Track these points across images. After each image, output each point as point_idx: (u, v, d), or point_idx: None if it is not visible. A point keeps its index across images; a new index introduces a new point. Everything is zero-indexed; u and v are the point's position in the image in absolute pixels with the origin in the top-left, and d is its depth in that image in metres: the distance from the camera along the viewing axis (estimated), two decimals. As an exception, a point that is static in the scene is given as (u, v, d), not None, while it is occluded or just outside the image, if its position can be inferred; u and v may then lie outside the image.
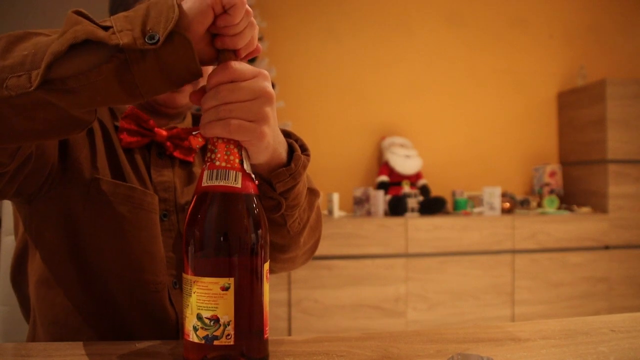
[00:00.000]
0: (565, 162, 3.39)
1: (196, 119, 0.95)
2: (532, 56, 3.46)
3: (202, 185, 0.55)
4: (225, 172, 0.54)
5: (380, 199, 2.88)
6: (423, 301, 2.73)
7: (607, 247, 2.97)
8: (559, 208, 3.16)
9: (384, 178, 3.08)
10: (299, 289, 2.58)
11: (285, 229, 0.73)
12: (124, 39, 0.48)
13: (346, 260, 2.66)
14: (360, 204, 2.92)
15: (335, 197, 2.91)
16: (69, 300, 0.77)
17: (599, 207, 3.05)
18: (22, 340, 1.01)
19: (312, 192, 0.78)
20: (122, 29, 0.48)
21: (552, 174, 3.27)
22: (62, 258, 0.76)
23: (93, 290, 0.77)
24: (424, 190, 3.05)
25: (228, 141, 0.55)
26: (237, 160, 0.55)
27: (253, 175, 0.57)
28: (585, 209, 3.08)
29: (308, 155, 0.70)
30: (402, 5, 3.33)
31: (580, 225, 2.94)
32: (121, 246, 0.76)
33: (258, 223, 0.56)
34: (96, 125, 0.81)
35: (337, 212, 2.91)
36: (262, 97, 0.55)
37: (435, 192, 3.15)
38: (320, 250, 2.96)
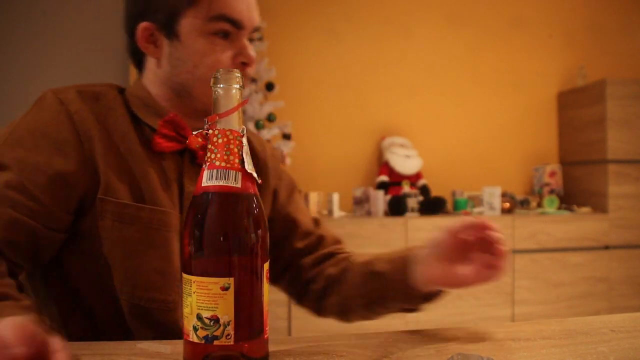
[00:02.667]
0: (565, 162, 3.39)
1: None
2: (532, 56, 3.46)
3: (202, 185, 0.55)
4: (225, 172, 0.54)
5: (380, 199, 2.88)
6: (423, 301, 2.73)
7: (607, 247, 2.97)
8: (559, 208, 3.17)
9: (384, 178, 3.08)
10: (299, 289, 2.58)
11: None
12: None
13: (346, 260, 2.65)
14: (360, 204, 2.92)
15: (335, 197, 2.91)
16: (85, 318, 0.78)
17: (599, 207, 3.05)
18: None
19: None
20: None
21: (552, 174, 3.27)
22: (79, 274, 0.77)
23: (107, 309, 0.77)
24: (424, 190, 3.05)
25: (228, 141, 0.55)
26: (237, 160, 0.55)
27: (255, 175, 0.57)
28: (585, 209, 3.08)
29: None
30: (402, 5, 3.33)
31: (580, 225, 2.94)
32: (131, 266, 0.75)
33: (258, 223, 0.56)
34: (103, 143, 0.76)
35: (337, 212, 2.91)
36: None
37: (435, 192, 3.15)
38: (320, 250, 2.87)
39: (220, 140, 0.55)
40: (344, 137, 3.25)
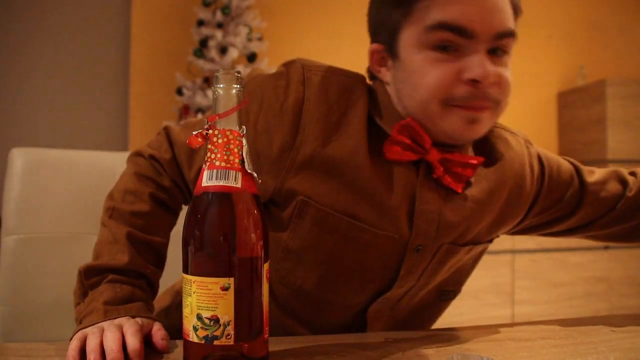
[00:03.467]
0: (565, 162, 3.39)
1: (477, 146, 0.80)
2: (532, 56, 3.46)
3: (202, 185, 0.55)
4: (226, 172, 0.54)
5: (380, 199, 2.88)
6: (423, 301, 2.73)
7: (607, 247, 2.97)
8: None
9: (384, 178, 3.08)
10: (299, 289, 2.58)
11: None
12: None
13: (346, 260, 2.65)
14: (360, 204, 2.93)
15: (335, 197, 2.91)
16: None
17: (599, 207, 3.05)
18: (22, 340, 1.01)
19: None
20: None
21: (552, 174, 3.28)
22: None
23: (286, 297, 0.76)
24: (424, 190, 3.05)
25: (228, 141, 0.55)
26: (237, 160, 0.55)
27: (255, 175, 0.57)
28: (585, 209, 3.08)
29: None
30: (402, 5, 3.33)
31: (580, 225, 2.94)
32: (326, 272, 0.73)
33: (258, 223, 0.56)
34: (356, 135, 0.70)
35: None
36: None
37: (435, 192, 3.15)
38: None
39: (220, 141, 0.55)
40: (344, 137, 3.25)
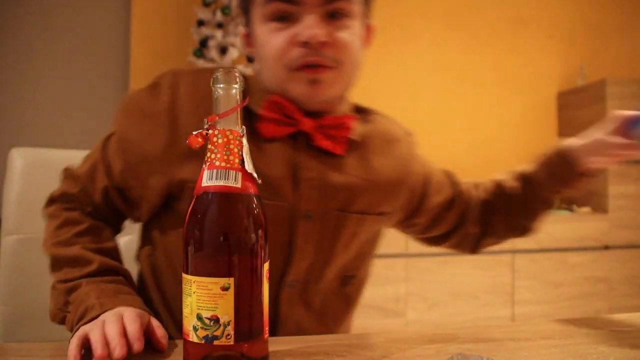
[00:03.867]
0: (565, 162, 3.39)
1: (359, 110, 0.90)
2: (532, 56, 3.46)
3: (202, 185, 0.55)
4: (225, 172, 0.54)
5: (380, 199, 2.88)
6: (423, 301, 2.73)
7: (607, 247, 2.97)
8: (559, 208, 3.16)
9: (384, 178, 3.08)
10: (299, 289, 2.58)
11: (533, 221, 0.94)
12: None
13: (346, 260, 2.65)
14: (360, 204, 2.93)
15: (335, 197, 2.91)
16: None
17: (599, 207, 3.05)
18: (22, 340, 1.01)
19: None
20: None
21: (552, 174, 3.28)
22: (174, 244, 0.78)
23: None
24: (424, 190, 3.05)
25: (228, 141, 0.55)
26: (237, 160, 0.55)
27: (255, 175, 0.57)
28: (585, 209, 3.08)
29: None
30: (402, 5, 3.33)
31: (580, 225, 2.94)
32: None
33: (258, 223, 0.56)
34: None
35: (337, 212, 2.91)
36: None
37: (435, 192, 3.15)
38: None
39: (220, 141, 0.55)
40: (344, 137, 3.25)
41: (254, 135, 0.73)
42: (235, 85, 0.56)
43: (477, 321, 2.76)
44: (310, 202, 0.76)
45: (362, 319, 3.00)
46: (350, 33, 0.74)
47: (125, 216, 0.82)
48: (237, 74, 0.56)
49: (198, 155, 0.69)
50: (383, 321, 2.68)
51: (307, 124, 0.75)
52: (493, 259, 2.82)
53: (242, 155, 0.56)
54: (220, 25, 2.73)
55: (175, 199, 0.76)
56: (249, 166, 0.56)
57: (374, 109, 0.93)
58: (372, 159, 0.83)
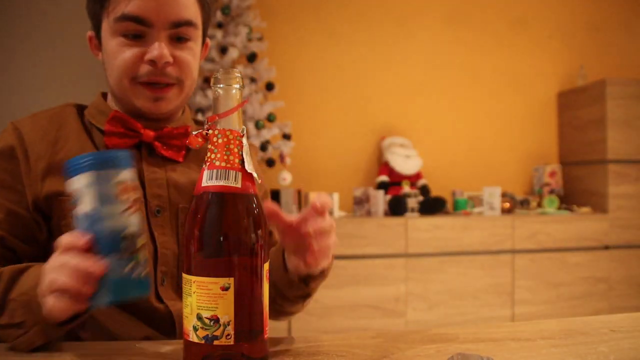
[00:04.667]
0: (565, 162, 3.39)
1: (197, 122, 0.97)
2: (532, 56, 3.46)
3: (202, 185, 0.55)
4: (225, 172, 0.54)
5: (380, 199, 2.88)
6: (423, 301, 2.73)
7: (607, 247, 2.97)
8: (559, 208, 3.17)
9: (384, 178, 3.08)
10: (299, 289, 2.58)
11: (302, 306, 0.85)
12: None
13: (346, 260, 2.65)
14: (360, 204, 2.92)
15: (336, 197, 2.91)
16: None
17: (599, 207, 3.05)
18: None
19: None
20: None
21: (552, 174, 3.27)
22: None
23: None
24: (424, 190, 3.05)
25: (228, 141, 0.55)
26: (237, 160, 0.55)
27: (255, 175, 0.57)
28: (585, 209, 3.08)
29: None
30: (403, 5, 3.33)
31: (580, 225, 2.94)
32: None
33: (258, 223, 0.56)
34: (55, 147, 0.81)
35: (337, 212, 2.91)
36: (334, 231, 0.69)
37: (435, 192, 3.15)
38: (320, 250, 2.84)
39: (220, 141, 0.55)
40: (344, 137, 3.25)
41: (102, 149, 0.83)
42: (236, 86, 0.56)
43: (477, 321, 2.76)
44: (158, 199, 0.83)
45: (362, 319, 3.02)
46: (191, 54, 0.84)
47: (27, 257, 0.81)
48: (237, 74, 0.56)
49: (53, 171, 0.79)
50: (383, 321, 2.68)
51: (147, 135, 0.84)
52: (493, 259, 2.82)
53: (242, 155, 0.56)
54: (220, 25, 2.73)
55: (46, 219, 0.79)
56: (249, 166, 0.56)
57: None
58: None
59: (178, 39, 0.82)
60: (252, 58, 2.79)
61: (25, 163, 0.79)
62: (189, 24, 0.81)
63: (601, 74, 3.35)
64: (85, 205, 0.56)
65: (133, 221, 0.57)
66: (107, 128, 0.83)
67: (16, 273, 0.68)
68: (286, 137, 2.89)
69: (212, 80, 0.56)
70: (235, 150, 0.55)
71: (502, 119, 3.43)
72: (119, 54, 0.80)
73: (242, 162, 0.56)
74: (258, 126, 2.76)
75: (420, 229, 2.75)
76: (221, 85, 0.55)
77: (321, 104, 3.23)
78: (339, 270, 2.64)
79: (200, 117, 2.44)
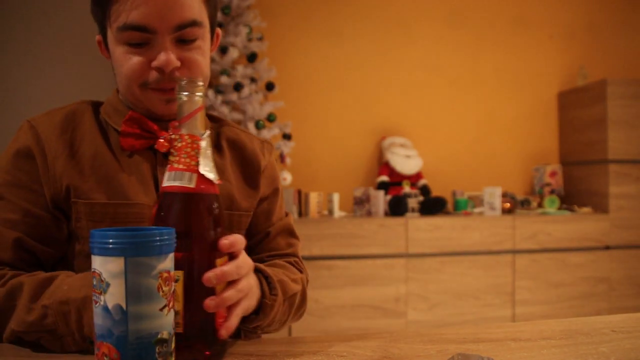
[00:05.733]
0: (566, 162, 3.39)
1: (212, 119, 0.95)
2: (533, 56, 3.46)
3: (162, 185, 0.60)
4: (181, 173, 0.59)
5: (381, 199, 2.88)
6: (423, 301, 2.73)
7: (607, 248, 2.96)
8: (560, 208, 3.16)
9: (384, 178, 3.08)
10: (299, 289, 2.58)
11: (280, 326, 0.83)
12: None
13: (346, 260, 2.65)
14: (360, 204, 2.92)
15: (336, 197, 2.91)
16: None
17: (600, 207, 3.04)
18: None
19: (294, 296, 0.82)
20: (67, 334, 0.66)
21: (553, 174, 3.27)
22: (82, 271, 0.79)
23: None
24: (425, 190, 3.05)
25: (187, 145, 0.60)
26: (193, 163, 0.59)
27: (212, 176, 0.60)
28: (585, 209, 3.08)
29: (275, 294, 0.75)
30: (403, 4, 3.33)
31: (580, 225, 2.93)
32: None
33: (210, 221, 0.60)
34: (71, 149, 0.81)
35: (337, 212, 2.91)
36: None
37: (435, 192, 3.15)
38: (320, 250, 2.96)
39: (179, 144, 0.60)
40: (344, 137, 3.25)
41: (117, 150, 0.82)
42: (198, 94, 0.60)
43: (478, 321, 2.76)
44: None
45: (362, 319, 3.02)
46: (200, 53, 0.82)
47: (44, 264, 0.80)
48: (200, 84, 0.61)
49: (70, 172, 0.78)
50: (383, 321, 2.68)
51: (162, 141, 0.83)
52: (494, 259, 2.82)
53: (198, 157, 0.60)
54: (220, 25, 2.73)
55: (67, 219, 0.79)
56: (204, 168, 0.60)
57: (224, 119, 0.98)
58: (225, 165, 0.89)
59: (184, 41, 0.80)
60: (252, 58, 2.79)
61: (43, 162, 0.78)
62: (193, 24, 0.79)
63: (602, 74, 3.34)
64: (112, 297, 0.47)
65: (169, 321, 0.50)
66: (123, 129, 0.82)
67: (45, 281, 0.69)
68: (286, 137, 2.89)
69: (176, 88, 0.61)
70: (193, 153, 0.60)
71: (502, 119, 3.42)
72: (125, 61, 0.79)
73: (198, 164, 0.60)
74: (258, 126, 2.76)
75: (421, 229, 2.75)
76: (185, 93, 0.60)
77: (321, 104, 3.23)
78: (339, 271, 2.64)
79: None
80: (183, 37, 0.79)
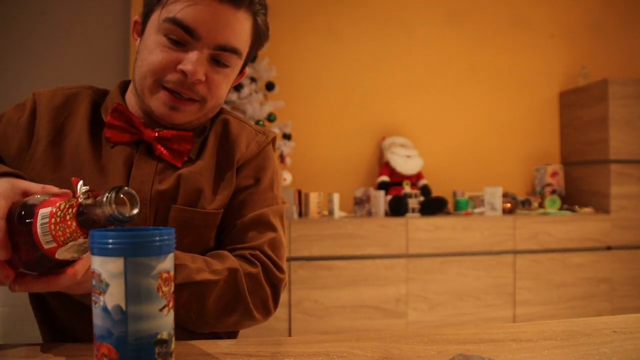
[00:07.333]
0: (567, 162, 3.38)
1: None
2: (534, 55, 3.46)
3: (38, 209, 0.57)
4: (48, 232, 0.55)
5: (381, 199, 2.87)
6: (424, 302, 2.73)
7: (609, 248, 2.96)
8: (561, 208, 3.16)
9: (384, 178, 3.08)
10: (299, 290, 2.58)
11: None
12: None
13: (346, 260, 2.65)
14: (360, 204, 2.92)
15: (336, 198, 2.91)
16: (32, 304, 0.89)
17: (601, 207, 3.04)
18: (22, 341, 1.00)
19: (202, 285, 0.76)
20: None
21: (554, 174, 3.27)
22: None
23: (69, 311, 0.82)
24: (425, 190, 3.05)
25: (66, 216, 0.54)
26: (61, 238, 0.54)
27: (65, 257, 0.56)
28: (587, 210, 3.07)
29: None
30: (403, 4, 3.33)
31: (582, 225, 2.93)
32: None
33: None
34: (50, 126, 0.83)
35: (338, 213, 2.90)
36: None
37: (436, 192, 3.14)
38: (321, 250, 2.97)
39: (65, 206, 0.56)
40: (344, 137, 3.24)
41: (103, 141, 0.83)
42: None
43: (478, 322, 2.75)
44: (138, 194, 0.81)
45: (362, 319, 3.01)
46: (225, 80, 0.83)
47: None
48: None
49: (45, 160, 0.80)
50: (384, 322, 2.68)
51: (148, 134, 0.83)
52: (494, 259, 2.82)
53: (68, 239, 0.55)
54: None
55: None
56: (64, 252, 0.55)
57: (225, 109, 0.96)
58: (203, 165, 0.87)
59: (218, 62, 0.80)
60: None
61: (28, 139, 0.82)
62: (234, 51, 0.80)
63: (603, 74, 3.34)
64: (112, 297, 0.47)
65: (169, 321, 0.49)
66: (108, 120, 0.82)
67: None
68: (286, 137, 2.89)
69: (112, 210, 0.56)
70: (67, 232, 0.55)
71: (503, 118, 3.42)
72: (155, 52, 0.78)
73: (63, 243, 0.55)
74: (259, 126, 2.75)
75: (421, 229, 2.75)
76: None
77: (321, 104, 3.23)
78: (339, 271, 2.64)
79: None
80: (219, 58, 0.79)
